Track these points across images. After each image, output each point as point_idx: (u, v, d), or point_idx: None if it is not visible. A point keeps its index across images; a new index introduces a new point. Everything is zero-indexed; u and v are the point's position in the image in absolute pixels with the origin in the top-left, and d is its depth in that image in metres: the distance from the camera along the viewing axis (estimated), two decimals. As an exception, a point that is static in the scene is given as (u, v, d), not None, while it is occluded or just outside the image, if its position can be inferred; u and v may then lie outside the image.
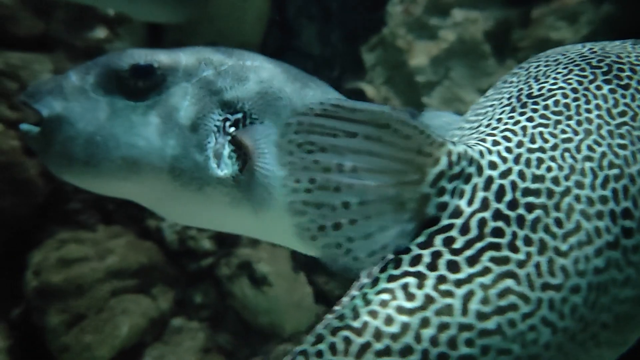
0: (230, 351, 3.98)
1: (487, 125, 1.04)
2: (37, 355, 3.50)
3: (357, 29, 4.59)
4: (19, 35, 3.69)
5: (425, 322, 0.85)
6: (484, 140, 0.99)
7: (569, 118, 1.00)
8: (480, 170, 0.93)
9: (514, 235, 0.89)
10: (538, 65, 1.15)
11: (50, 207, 3.67)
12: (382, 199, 0.87)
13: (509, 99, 1.08)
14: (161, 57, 1.67)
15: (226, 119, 1.66)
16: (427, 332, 0.85)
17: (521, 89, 1.09)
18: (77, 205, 3.72)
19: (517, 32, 4.32)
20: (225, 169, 1.63)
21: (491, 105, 1.10)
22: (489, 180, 0.93)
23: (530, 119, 1.01)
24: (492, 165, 0.94)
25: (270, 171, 1.58)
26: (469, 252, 0.89)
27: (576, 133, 0.98)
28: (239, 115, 1.68)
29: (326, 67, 4.66)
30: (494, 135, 1.00)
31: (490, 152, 0.96)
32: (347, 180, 0.86)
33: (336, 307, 0.92)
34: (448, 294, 0.87)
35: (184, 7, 3.25)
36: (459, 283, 0.87)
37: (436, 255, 0.89)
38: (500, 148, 0.96)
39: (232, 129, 1.66)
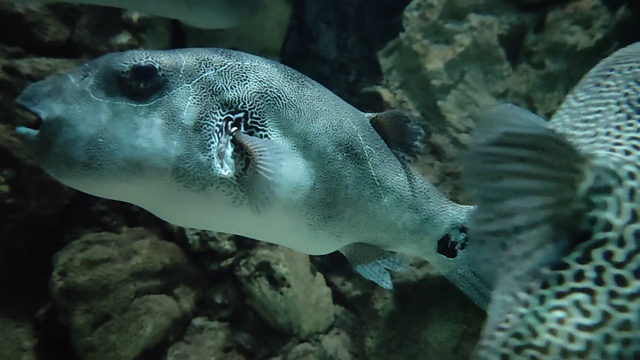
0: (250, 351, 4.04)
1: (607, 134, 1.05)
2: (62, 355, 3.56)
3: (373, 34, 4.65)
4: (45, 41, 3.77)
5: (608, 339, 0.87)
6: (613, 150, 1.01)
7: None
8: (620, 181, 0.95)
9: None
10: (631, 67, 1.16)
11: (76, 208, 3.75)
12: (547, 218, 0.91)
13: (617, 104, 1.10)
14: (162, 58, 1.65)
15: (228, 118, 1.66)
16: (613, 349, 0.87)
17: (627, 94, 1.10)
18: (102, 207, 3.80)
19: (532, 36, 4.37)
20: (228, 169, 1.63)
21: (598, 112, 1.12)
22: (632, 191, 0.94)
23: None
24: (631, 176, 0.96)
25: (272, 168, 1.58)
26: (632, 265, 0.90)
27: None
28: (241, 115, 1.68)
29: (343, 72, 4.72)
30: (621, 144, 1.01)
31: (624, 162, 0.97)
32: (521, 204, 0.90)
33: (504, 325, 0.93)
34: (623, 309, 0.89)
35: (239, 13, 3.29)
36: (631, 297, 0.89)
37: (600, 269, 0.91)
38: (633, 157, 0.97)
39: (234, 129, 1.66)
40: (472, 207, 2.10)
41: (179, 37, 4.10)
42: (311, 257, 4.29)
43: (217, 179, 1.62)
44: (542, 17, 4.31)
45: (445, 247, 2.08)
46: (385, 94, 4.39)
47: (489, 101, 4.46)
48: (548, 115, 4.47)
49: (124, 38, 3.87)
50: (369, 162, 1.89)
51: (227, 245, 4.08)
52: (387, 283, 1.96)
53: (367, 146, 1.90)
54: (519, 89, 4.41)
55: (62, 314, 3.48)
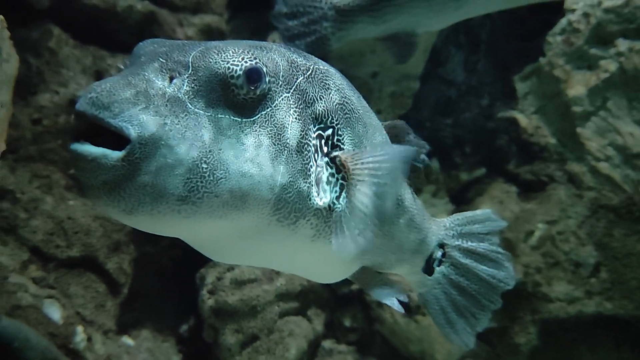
0: (380, 377, 3.99)
1: None
2: (204, 371, 3.64)
3: (507, 58, 4.55)
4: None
5: None
6: None
7: None
8: None
9: None
10: None
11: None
12: None
13: None
14: (263, 58, 1.30)
15: (319, 136, 1.37)
16: None
17: None
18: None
19: (682, 62, 4.16)
20: (324, 197, 1.34)
21: None
22: None
23: None
24: None
25: (369, 202, 1.28)
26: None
27: None
28: (330, 132, 1.39)
29: (472, 95, 4.64)
30: None
31: None
32: None
33: None
34: None
35: None
36: None
37: None
38: None
39: (325, 149, 1.38)
40: (446, 220, 2.00)
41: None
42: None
43: (312, 210, 1.33)
44: (696, 42, 4.09)
45: (428, 265, 1.94)
46: (522, 120, 4.28)
47: (633, 129, 4.26)
48: (696, 146, 4.22)
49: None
50: None
51: (358, 269, 4.06)
52: (398, 306, 1.72)
53: None
54: (666, 117, 4.19)
55: (209, 331, 3.55)
